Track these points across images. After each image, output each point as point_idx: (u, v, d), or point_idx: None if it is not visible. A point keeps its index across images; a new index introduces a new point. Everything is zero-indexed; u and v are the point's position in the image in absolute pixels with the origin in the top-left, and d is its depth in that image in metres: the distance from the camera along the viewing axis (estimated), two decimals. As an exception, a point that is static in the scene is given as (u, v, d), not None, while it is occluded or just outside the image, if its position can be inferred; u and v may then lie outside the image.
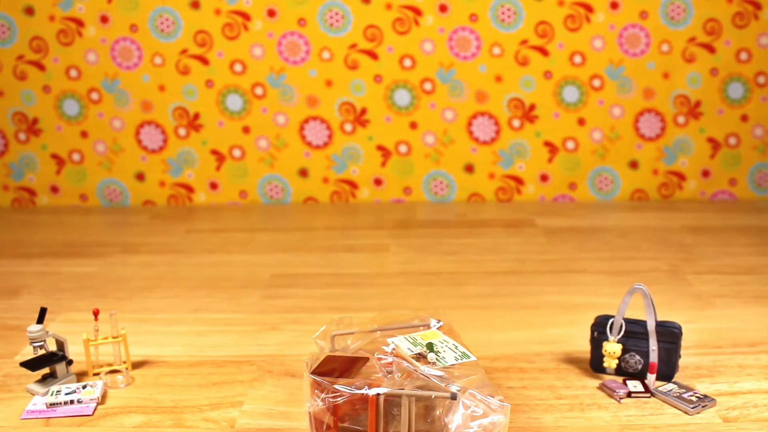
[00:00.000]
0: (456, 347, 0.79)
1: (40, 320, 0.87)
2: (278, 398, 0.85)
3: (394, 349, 0.79)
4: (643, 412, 0.82)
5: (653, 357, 0.87)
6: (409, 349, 0.78)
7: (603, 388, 0.87)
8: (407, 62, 1.66)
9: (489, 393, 0.72)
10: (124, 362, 0.90)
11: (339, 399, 0.73)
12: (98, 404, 0.82)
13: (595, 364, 0.91)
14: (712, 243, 1.42)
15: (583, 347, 0.97)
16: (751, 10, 1.62)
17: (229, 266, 1.30)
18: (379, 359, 0.78)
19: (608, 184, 1.72)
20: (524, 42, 1.65)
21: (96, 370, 0.90)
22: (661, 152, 1.70)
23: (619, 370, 0.90)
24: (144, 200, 1.75)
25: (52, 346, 0.89)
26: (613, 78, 1.66)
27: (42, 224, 1.61)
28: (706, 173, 1.71)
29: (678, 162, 1.71)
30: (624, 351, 0.89)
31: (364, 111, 1.69)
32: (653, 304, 0.87)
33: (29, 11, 1.64)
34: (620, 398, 0.84)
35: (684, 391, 0.85)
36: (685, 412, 0.81)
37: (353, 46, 1.65)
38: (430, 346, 0.79)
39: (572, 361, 0.95)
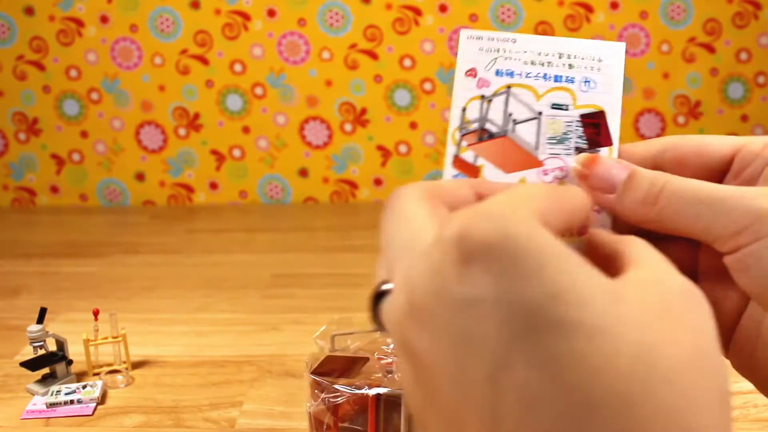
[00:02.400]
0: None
1: (40, 320, 0.87)
2: (278, 398, 0.85)
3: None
4: (643, 412, 0.81)
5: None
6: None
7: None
8: (407, 62, 1.66)
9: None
10: (124, 362, 0.90)
11: (339, 399, 0.73)
12: (98, 404, 0.82)
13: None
14: (712, 243, 1.42)
15: (583, 347, 0.96)
16: (751, 10, 1.62)
17: (229, 266, 1.30)
18: (379, 359, 0.78)
19: (608, 184, 1.72)
20: (524, 42, 1.65)
21: (96, 370, 0.90)
22: (661, 152, 1.71)
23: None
24: (144, 200, 1.75)
25: (52, 346, 0.89)
26: (613, 78, 1.66)
27: (42, 224, 1.61)
28: (706, 173, 1.71)
29: (678, 162, 1.71)
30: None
31: (364, 111, 1.69)
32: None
33: (29, 11, 1.64)
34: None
35: (684, 391, 0.85)
36: (685, 412, 0.80)
37: (353, 46, 1.65)
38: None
39: (572, 361, 0.94)
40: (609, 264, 0.28)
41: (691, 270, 0.42)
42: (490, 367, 0.21)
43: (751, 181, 0.37)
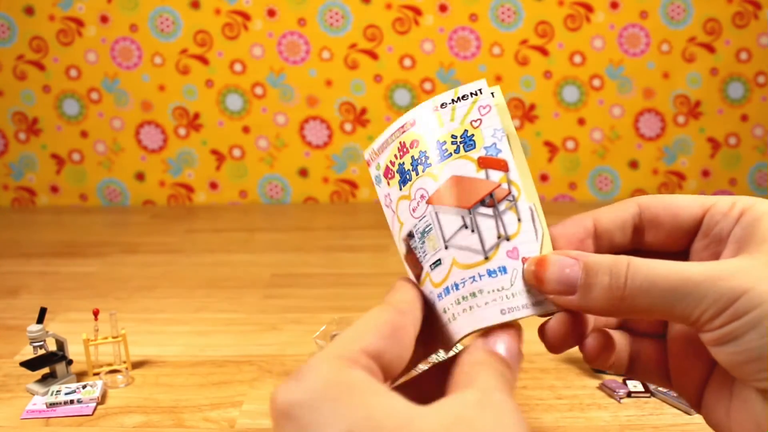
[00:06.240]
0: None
1: (40, 320, 0.87)
2: (278, 398, 0.85)
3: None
4: (643, 412, 0.81)
5: (653, 357, 0.87)
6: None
7: (603, 388, 0.87)
8: (407, 62, 1.66)
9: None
10: (124, 362, 0.90)
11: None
12: (98, 404, 0.82)
13: (595, 364, 0.91)
14: (712, 243, 1.41)
15: (583, 347, 0.96)
16: (751, 10, 1.62)
17: (229, 266, 1.30)
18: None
19: (608, 184, 1.73)
20: (524, 42, 1.65)
21: (96, 370, 0.90)
22: (661, 152, 1.71)
23: (619, 370, 0.90)
24: (144, 200, 1.75)
25: (52, 346, 0.89)
26: (613, 78, 1.66)
27: (42, 224, 1.61)
28: (706, 173, 1.71)
29: (678, 162, 1.71)
30: (624, 351, 0.89)
31: (364, 111, 1.69)
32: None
33: (29, 11, 1.64)
34: (620, 398, 0.84)
35: (684, 391, 0.85)
36: (686, 412, 0.81)
37: (353, 46, 1.65)
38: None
39: (572, 361, 0.95)
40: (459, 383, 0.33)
41: (659, 334, 0.44)
42: None
43: (720, 240, 0.38)
